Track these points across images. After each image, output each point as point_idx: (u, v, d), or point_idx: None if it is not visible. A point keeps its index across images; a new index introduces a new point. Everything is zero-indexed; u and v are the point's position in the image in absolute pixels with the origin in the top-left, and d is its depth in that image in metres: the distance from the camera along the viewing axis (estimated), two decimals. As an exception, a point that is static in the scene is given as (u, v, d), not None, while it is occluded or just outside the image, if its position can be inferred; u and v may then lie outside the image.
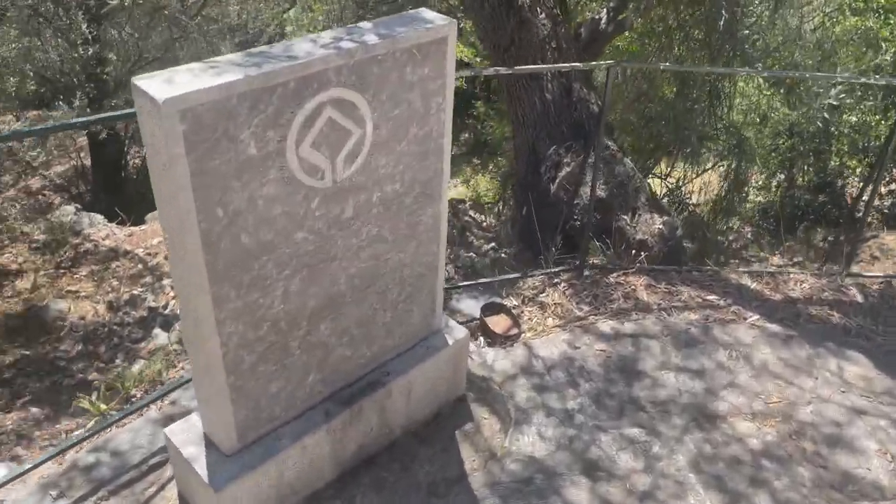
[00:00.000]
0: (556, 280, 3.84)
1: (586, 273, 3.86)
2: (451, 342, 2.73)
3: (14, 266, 4.72)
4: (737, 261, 5.20)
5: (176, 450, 2.30)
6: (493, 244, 7.33)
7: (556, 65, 4.24)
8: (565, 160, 4.35)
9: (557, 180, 4.35)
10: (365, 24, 2.08)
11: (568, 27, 6.13)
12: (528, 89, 4.51)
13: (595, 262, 4.01)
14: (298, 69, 1.83)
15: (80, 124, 1.94)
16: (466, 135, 13.20)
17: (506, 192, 7.37)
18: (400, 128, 2.17)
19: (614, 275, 3.88)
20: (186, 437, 2.31)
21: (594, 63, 3.12)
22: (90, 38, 9.05)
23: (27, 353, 4.02)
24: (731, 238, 6.20)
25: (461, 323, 3.58)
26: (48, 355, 4.01)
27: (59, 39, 9.62)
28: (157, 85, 1.67)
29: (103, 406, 3.10)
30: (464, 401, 2.95)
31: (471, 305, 3.74)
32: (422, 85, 2.16)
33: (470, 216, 9.35)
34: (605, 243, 4.06)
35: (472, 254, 7.56)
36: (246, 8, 10.67)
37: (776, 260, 5.26)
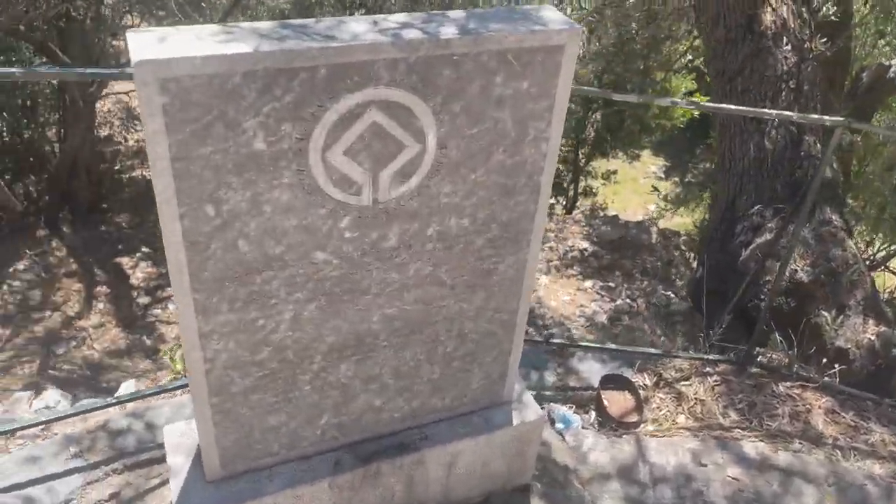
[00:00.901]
0: (707, 368, 3.10)
1: (750, 370, 3.08)
2: (517, 421, 2.21)
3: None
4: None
5: (165, 453, 2.05)
6: (670, 291, 6.46)
7: (755, 109, 3.39)
8: (768, 225, 3.52)
9: (751, 246, 3.55)
10: (454, 13, 1.62)
11: (844, 70, 5.11)
12: (744, 130, 3.73)
13: (767, 359, 3.19)
14: (332, 54, 1.43)
15: (76, 75, 1.70)
16: (708, 165, 12.10)
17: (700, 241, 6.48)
18: (478, 152, 1.69)
19: (787, 383, 3.05)
20: (180, 442, 2.06)
21: (814, 116, 2.36)
22: (360, 2, 9.40)
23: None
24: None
25: (574, 389, 3.02)
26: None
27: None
28: (145, 42, 1.35)
29: (179, 366, 2.99)
30: (526, 492, 2.40)
31: (593, 369, 3.15)
32: (517, 102, 1.66)
33: (681, 250, 8.44)
34: (789, 339, 3.22)
35: (670, 292, 6.76)
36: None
37: None
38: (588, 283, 7.38)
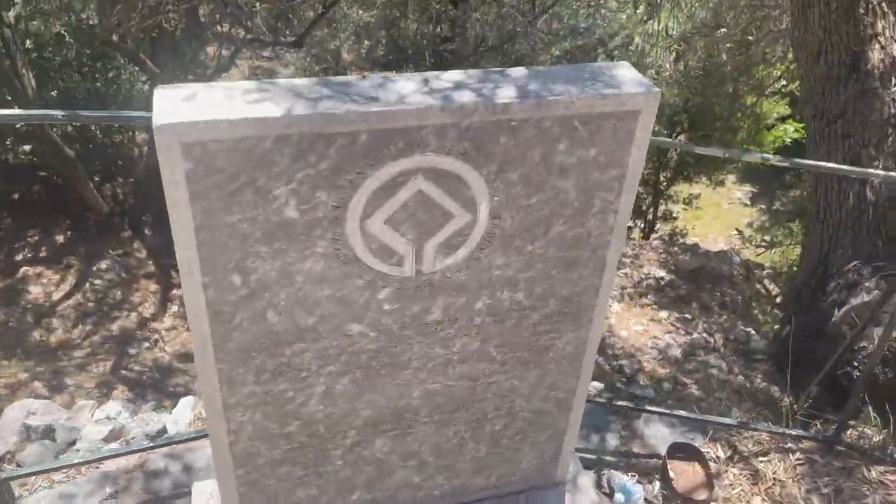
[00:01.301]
0: (789, 444, 2.81)
1: (839, 450, 2.77)
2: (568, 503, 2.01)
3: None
4: None
5: (193, 512, 1.95)
6: (751, 328, 6.10)
7: (858, 169, 3.04)
8: (866, 284, 3.19)
9: (846, 307, 3.22)
10: (515, 70, 1.44)
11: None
12: (842, 176, 3.40)
13: (858, 438, 2.87)
14: (375, 119, 1.28)
15: (94, 119, 1.60)
16: (797, 192, 11.49)
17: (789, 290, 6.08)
18: (536, 223, 1.51)
19: (881, 468, 2.72)
20: (207, 502, 1.95)
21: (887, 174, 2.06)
22: (444, 16, 9.37)
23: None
24: None
25: (638, 456, 2.79)
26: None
27: (419, 14, 10.13)
28: (171, 101, 1.24)
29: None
30: (576, 578, 2.19)
31: (661, 434, 2.90)
32: (582, 171, 1.47)
33: (763, 286, 8.00)
34: (885, 416, 2.89)
35: (750, 329, 6.37)
36: (597, 11, 10.18)
37: None
38: (663, 314, 7.06)
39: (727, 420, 2.90)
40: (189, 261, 1.33)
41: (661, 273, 7.87)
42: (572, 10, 9.93)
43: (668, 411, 2.88)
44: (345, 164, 1.31)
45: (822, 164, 2.36)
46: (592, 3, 9.00)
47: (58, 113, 1.67)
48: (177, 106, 1.22)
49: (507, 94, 1.35)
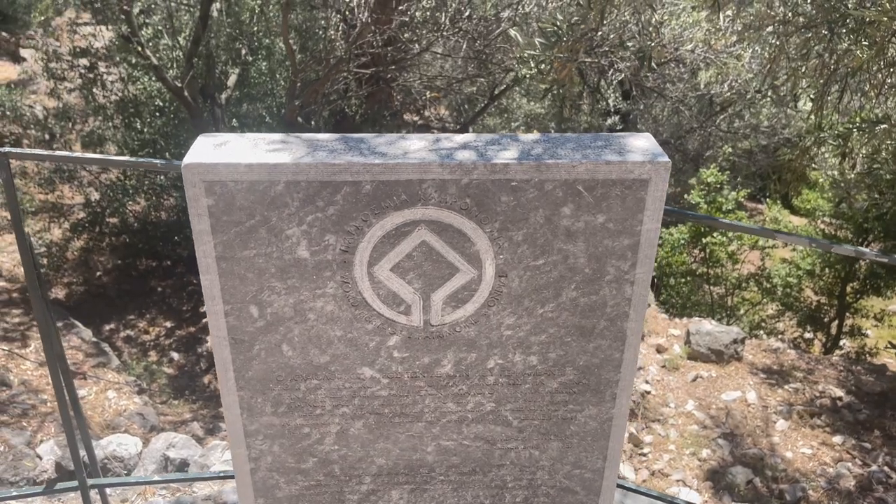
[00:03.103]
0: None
1: None
2: None
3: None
4: None
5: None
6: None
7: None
8: None
9: None
10: (528, 136, 1.49)
11: None
12: None
13: None
14: (378, 170, 1.38)
15: (130, 164, 1.82)
16: None
17: None
18: (545, 286, 1.51)
19: None
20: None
21: None
22: (614, 111, 9.50)
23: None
24: None
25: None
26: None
27: (591, 107, 10.34)
28: (205, 146, 1.43)
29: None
30: None
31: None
32: (591, 237, 1.46)
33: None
34: None
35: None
36: (782, 109, 9.78)
37: None
38: (837, 439, 6.37)
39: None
40: (211, 287, 1.49)
41: (840, 393, 7.15)
42: (756, 108, 9.62)
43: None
44: (351, 210, 1.42)
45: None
46: (775, 99, 8.67)
47: (93, 156, 1.94)
48: (207, 150, 1.41)
49: (507, 155, 1.40)
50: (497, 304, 1.53)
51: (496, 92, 7.57)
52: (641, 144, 1.45)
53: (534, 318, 1.55)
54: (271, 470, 1.72)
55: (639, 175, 1.40)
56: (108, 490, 2.50)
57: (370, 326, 1.55)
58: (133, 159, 1.88)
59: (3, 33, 13.74)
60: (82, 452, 2.22)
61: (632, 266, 1.50)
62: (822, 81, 3.28)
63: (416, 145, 1.44)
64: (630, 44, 3.38)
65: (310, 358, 1.58)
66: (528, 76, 2.87)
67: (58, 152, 1.84)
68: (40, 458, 4.12)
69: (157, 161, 1.88)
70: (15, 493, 2.22)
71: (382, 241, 1.46)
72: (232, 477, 1.87)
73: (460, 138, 1.48)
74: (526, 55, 2.91)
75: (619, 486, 2.43)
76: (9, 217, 7.54)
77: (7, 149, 1.75)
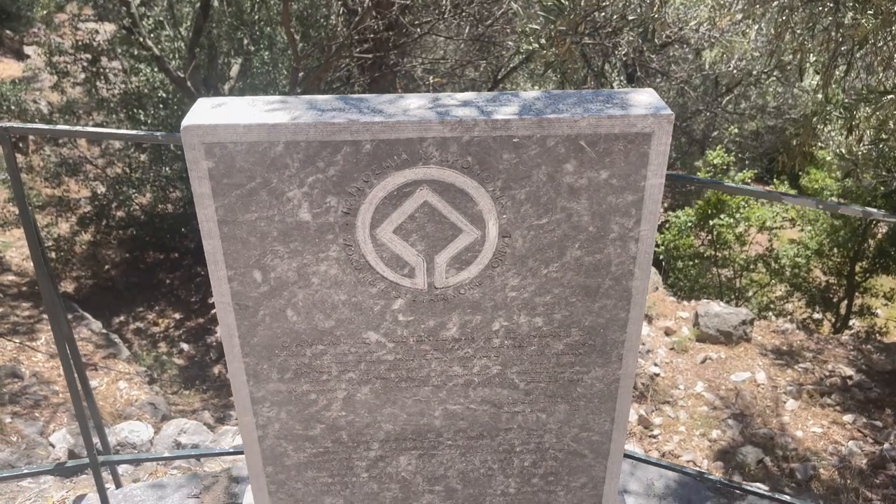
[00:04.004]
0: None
1: None
2: (609, 565, 1.87)
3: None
4: None
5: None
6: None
7: None
8: None
9: None
10: (529, 93, 1.48)
11: None
12: None
13: None
14: (377, 129, 1.38)
15: (131, 137, 1.82)
16: None
17: None
18: (549, 245, 1.51)
19: None
20: (257, 505, 2.06)
21: None
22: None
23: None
24: None
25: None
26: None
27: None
28: (202, 109, 1.42)
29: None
30: None
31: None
32: (594, 194, 1.45)
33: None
34: None
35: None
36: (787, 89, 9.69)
37: None
38: (847, 418, 6.34)
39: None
40: (214, 252, 1.48)
41: (849, 372, 7.12)
42: (762, 88, 9.55)
43: (775, 495, 2.58)
44: (352, 171, 1.42)
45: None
46: (781, 79, 8.60)
47: (93, 129, 1.93)
48: (205, 112, 1.41)
49: (508, 111, 1.39)
50: (501, 265, 1.53)
51: (499, 77, 7.53)
52: (644, 99, 1.44)
53: (538, 279, 1.55)
54: (279, 437, 1.72)
55: (641, 129, 1.39)
56: (120, 473, 2.51)
57: (374, 290, 1.55)
58: (133, 132, 1.87)
59: (7, 31, 13.78)
60: (95, 440, 2.23)
61: (636, 223, 1.49)
62: (828, 55, 3.24)
63: (416, 103, 1.43)
64: (632, 18, 3.36)
65: (315, 323, 1.58)
66: (530, 49, 2.85)
67: (59, 126, 1.84)
68: (53, 447, 4.14)
69: (158, 134, 1.87)
70: (26, 471, 2.23)
71: (384, 202, 1.45)
72: (242, 453, 1.87)
73: (461, 96, 1.47)
74: (528, 28, 2.89)
75: (627, 455, 2.42)
76: (16, 212, 7.57)
77: (7, 123, 1.75)
